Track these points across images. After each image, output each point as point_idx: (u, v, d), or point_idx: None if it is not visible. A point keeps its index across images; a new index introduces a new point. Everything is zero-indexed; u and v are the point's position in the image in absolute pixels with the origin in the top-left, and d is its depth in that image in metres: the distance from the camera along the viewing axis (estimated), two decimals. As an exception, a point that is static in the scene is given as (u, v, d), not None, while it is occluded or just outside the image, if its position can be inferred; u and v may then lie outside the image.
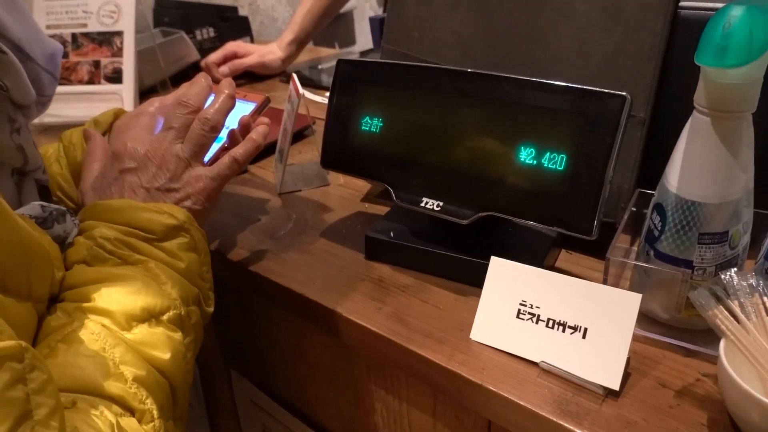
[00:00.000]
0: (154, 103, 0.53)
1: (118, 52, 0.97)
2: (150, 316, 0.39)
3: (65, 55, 0.97)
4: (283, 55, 1.11)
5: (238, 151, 0.51)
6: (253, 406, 0.71)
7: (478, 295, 0.47)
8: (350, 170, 0.57)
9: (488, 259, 0.50)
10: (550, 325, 0.43)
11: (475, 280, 0.51)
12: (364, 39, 1.77)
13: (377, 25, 1.00)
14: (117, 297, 0.38)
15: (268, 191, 0.72)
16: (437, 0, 0.61)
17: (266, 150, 0.81)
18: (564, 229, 0.45)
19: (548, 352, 0.42)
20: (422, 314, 0.49)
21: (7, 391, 0.26)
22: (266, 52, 1.11)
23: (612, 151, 0.43)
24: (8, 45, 0.41)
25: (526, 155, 0.47)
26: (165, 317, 0.40)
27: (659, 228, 0.43)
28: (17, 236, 0.34)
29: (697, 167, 0.41)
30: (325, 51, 1.36)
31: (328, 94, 1.02)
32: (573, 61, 0.54)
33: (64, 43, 0.96)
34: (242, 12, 1.47)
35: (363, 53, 1.26)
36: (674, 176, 0.42)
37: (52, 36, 0.96)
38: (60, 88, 0.57)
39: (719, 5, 0.50)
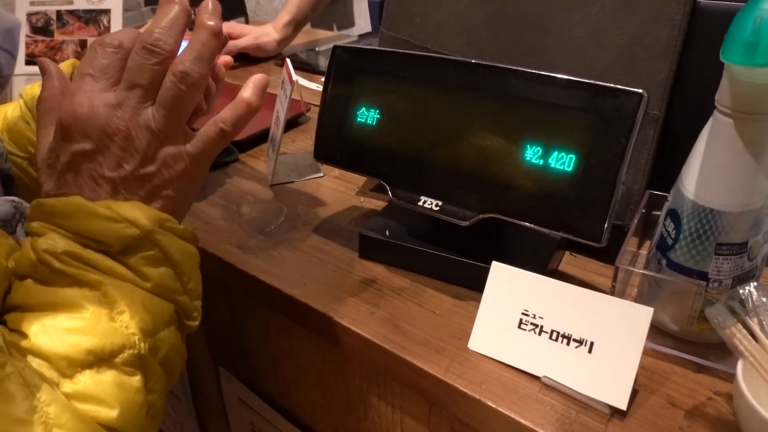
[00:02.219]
0: (120, 37, 0.36)
1: (105, 31, 0.93)
2: (98, 360, 0.32)
3: (50, 33, 0.93)
4: (279, 36, 1.07)
5: (225, 117, 0.38)
6: (242, 404, 0.69)
7: (478, 300, 0.45)
8: (344, 164, 0.54)
9: (489, 262, 0.47)
10: (554, 337, 0.40)
11: (474, 283, 0.49)
12: (362, 21, 1.72)
13: (376, 9, 0.96)
14: (59, 334, 0.31)
15: (259, 182, 0.69)
16: (440, -16, 0.57)
17: (258, 138, 0.78)
18: (571, 234, 0.42)
19: (551, 366, 0.40)
20: (418, 320, 0.46)
21: None
22: (261, 33, 1.07)
23: (626, 152, 0.40)
24: None
25: (532, 154, 0.44)
26: (118, 359, 0.32)
27: (673, 236, 0.40)
28: None
29: (717, 172, 0.38)
30: (322, 33, 1.31)
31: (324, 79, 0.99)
32: (585, 52, 0.51)
33: (48, 20, 0.92)
34: (238, -9, 1.42)
35: (362, 36, 1.22)
36: (691, 181, 0.39)
37: (35, 13, 0.92)
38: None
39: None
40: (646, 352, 0.42)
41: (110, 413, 0.31)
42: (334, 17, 1.68)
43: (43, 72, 0.39)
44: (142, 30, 0.40)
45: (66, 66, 0.49)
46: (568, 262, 0.52)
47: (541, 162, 0.43)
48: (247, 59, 1.09)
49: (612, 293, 0.41)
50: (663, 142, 0.50)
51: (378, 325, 0.46)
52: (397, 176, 0.50)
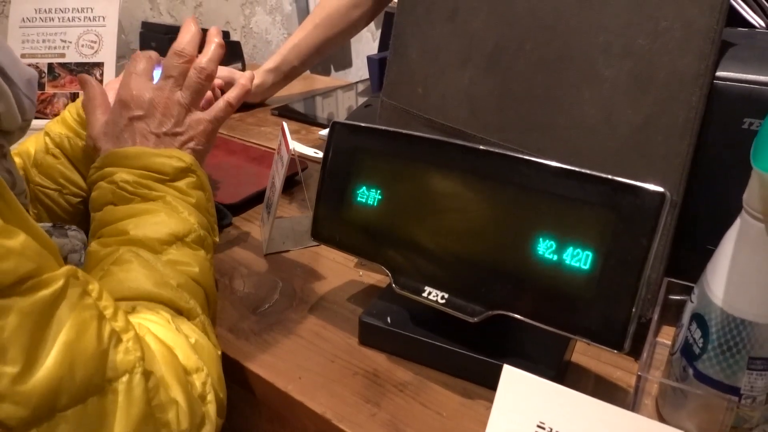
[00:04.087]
0: (150, 52, 0.57)
1: (98, 85, 0.90)
2: (176, 239, 0.45)
3: (41, 86, 0.90)
4: (258, 81, 1.05)
5: (231, 94, 0.57)
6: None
7: (486, 398, 0.41)
8: (344, 247, 0.51)
9: (499, 357, 0.44)
10: (573, 455, 0.37)
11: (483, 379, 0.45)
12: (360, 62, 1.71)
13: (376, 66, 0.94)
14: (146, 228, 0.45)
15: (252, 250, 0.66)
16: (444, 54, 0.55)
17: (252, 200, 0.75)
18: (589, 339, 0.39)
19: (571, 488, 0.36)
20: (423, 424, 0.43)
21: (81, 299, 0.32)
22: (241, 73, 1.05)
23: (648, 254, 0.37)
24: None
25: (544, 249, 0.41)
26: (189, 239, 0.46)
27: (700, 345, 0.37)
28: (40, 234, 0.36)
29: (747, 279, 0.35)
30: (320, 79, 1.30)
31: (322, 132, 0.97)
32: (597, 130, 0.48)
33: (40, 73, 0.90)
34: (235, 35, 1.42)
35: (360, 92, 1.20)
36: (719, 286, 0.36)
37: (28, 65, 0.90)
38: (35, 122, 0.53)
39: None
40: (672, 467, 0.38)
41: (194, 269, 0.45)
42: (332, 58, 1.68)
43: (84, 83, 0.56)
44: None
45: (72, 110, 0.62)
46: (582, 351, 0.49)
47: (555, 258, 0.40)
48: (240, 108, 1.07)
49: (633, 405, 0.38)
50: (680, 225, 0.47)
51: (379, 430, 0.42)
52: (400, 263, 0.47)
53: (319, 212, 0.52)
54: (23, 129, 0.47)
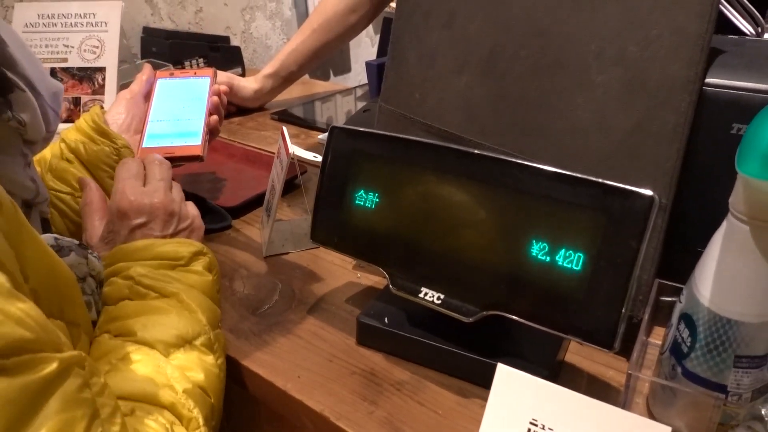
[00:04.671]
0: (134, 161, 0.57)
1: (100, 89, 0.92)
2: (185, 342, 0.44)
3: (43, 91, 0.91)
4: (257, 86, 1.06)
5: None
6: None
7: (482, 397, 0.42)
8: (342, 249, 0.52)
9: (494, 356, 0.45)
10: (565, 451, 0.38)
11: (478, 378, 0.46)
12: (359, 66, 1.72)
13: (374, 71, 0.95)
14: (155, 329, 0.43)
15: (252, 252, 0.67)
16: (441, 59, 0.56)
17: (251, 203, 0.76)
18: (580, 339, 0.40)
19: (562, 484, 0.37)
20: (419, 422, 0.44)
21: (78, 393, 0.30)
22: (240, 78, 1.07)
23: (637, 255, 0.38)
24: (25, 83, 0.43)
25: (537, 250, 0.42)
26: (198, 342, 0.44)
27: (688, 344, 0.38)
28: (48, 263, 0.36)
29: (733, 280, 0.36)
30: (319, 84, 1.31)
31: (321, 136, 0.98)
32: (589, 135, 0.50)
33: (42, 77, 0.91)
34: (235, 40, 1.43)
35: (359, 96, 1.21)
36: (706, 286, 0.38)
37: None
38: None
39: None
40: (662, 464, 0.39)
41: (199, 376, 0.43)
42: (331, 62, 1.69)
43: (84, 186, 0.57)
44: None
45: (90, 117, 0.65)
46: (576, 351, 0.50)
47: (548, 259, 0.41)
48: (240, 113, 1.09)
49: (624, 403, 0.39)
50: (670, 227, 0.48)
51: (377, 428, 0.43)
52: (396, 265, 0.48)
53: (318, 215, 0.53)
54: (47, 140, 0.48)
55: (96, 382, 0.32)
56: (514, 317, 0.43)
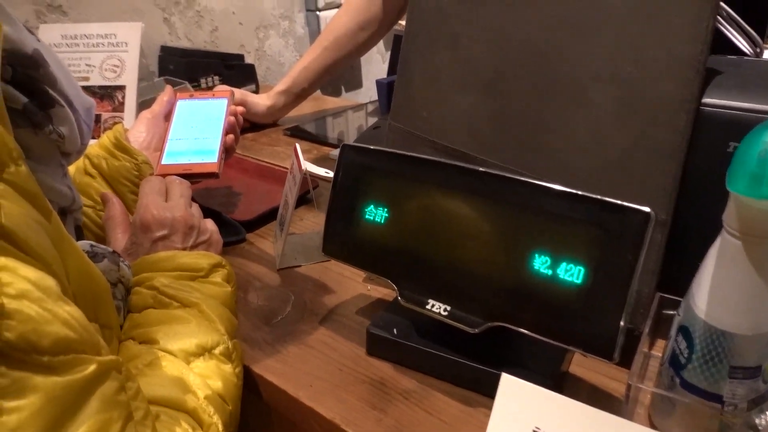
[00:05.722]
0: (157, 179, 0.60)
1: (120, 107, 0.95)
2: (204, 351, 0.45)
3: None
4: (270, 102, 1.09)
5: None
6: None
7: (486, 406, 0.44)
8: (352, 261, 0.54)
9: (499, 366, 0.46)
10: (566, 458, 0.39)
11: (483, 388, 0.48)
12: (370, 82, 1.76)
13: (384, 89, 0.97)
14: (176, 337, 0.45)
15: (266, 264, 0.69)
16: (445, 80, 0.59)
17: (265, 217, 0.78)
18: (581, 349, 0.41)
19: (564, 490, 0.38)
20: (426, 430, 0.45)
21: (116, 395, 0.31)
22: (254, 95, 1.10)
23: (635, 269, 0.40)
24: (63, 100, 0.45)
25: (540, 264, 0.43)
26: (217, 351, 0.46)
27: (685, 355, 0.40)
28: (85, 269, 0.38)
29: (727, 293, 0.38)
30: (331, 100, 1.34)
31: (333, 152, 1.00)
32: (587, 152, 0.51)
33: (64, 96, 0.95)
34: (249, 58, 1.46)
35: (370, 112, 1.24)
36: (702, 299, 0.39)
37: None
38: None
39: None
40: (662, 471, 0.41)
41: (217, 384, 0.44)
42: (342, 78, 1.73)
43: (106, 201, 0.60)
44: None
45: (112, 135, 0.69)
46: (579, 362, 0.52)
47: (550, 272, 0.43)
48: (254, 128, 1.11)
49: (626, 412, 0.40)
50: (670, 241, 0.50)
51: (385, 435, 0.45)
52: (405, 277, 0.50)
53: (330, 229, 0.55)
54: (80, 152, 0.52)
55: (131, 386, 0.33)
56: (518, 328, 0.44)
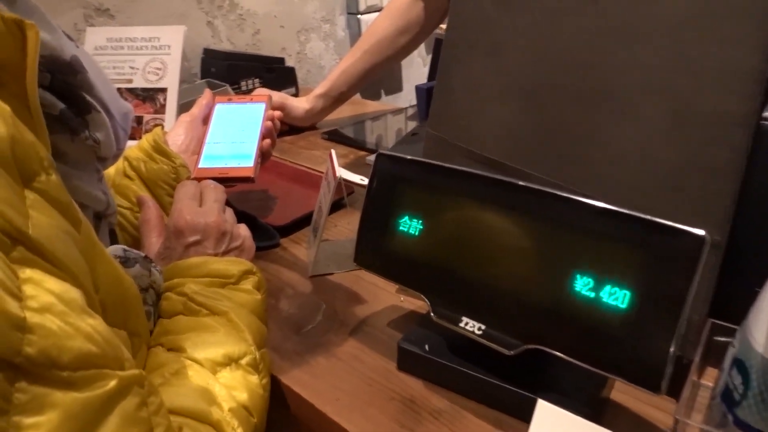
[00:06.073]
0: (191, 183, 0.60)
1: (161, 109, 0.96)
2: (231, 361, 0.45)
3: (110, 110, 0.97)
4: (308, 106, 1.09)
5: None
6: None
7: (520, 430, 0.42)
8: (385, 273, 0.53)
9: (534, 391, 0.44)
10: (605, 495, 0.37)
11: (517, 411, 0.46)
12: (410, 87, 1.74)
13: (423, 95, 0.96)
14: (204, 346, 0.45)
15: (298, 271, 0.68)
16: (485, 89, 0.57)
17: (300, 222, 0.78)
18: (625, 380, 0.39)
19: None
20: (456, 453, 0.44)
21: (137, 412, 0.31)
22: (293, 98, 1.09)
23: (686, 297, 0.37)
24: (100, 105, 0.46)
25: (582, 285, 0.41)
26: (243, 361, 0.45)
27: (740, 391, 0.37)
28: (115, 277, 0.38)
29: (790, 326, 0.35)
30: (370, 104, 1.33)
31: (370, 157, 0.99)
32: (634, 167, 0.49)
33: (109, 97, 0.97)
34: (289, 61, 1.47)
35: (410, 116, 1.22)
36: (761, 332, 0.36)
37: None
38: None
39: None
40: None
41: (242, 395, 0.43)
42: (382, 82, 1.72)
43: (142, 204, 0.60)
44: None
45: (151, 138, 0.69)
46: (622, 388, 0.49)
47: (593, 295, 0.41)
48: (292, 132, 1.11)
49: (670, 447, 0.37)
50: (725, 264, 0.47)
51: (413, 457, 0.44)
52: (438, 292, 0.49)
53: (362, 238, 0.54)
54: (116, 157, 0.52)
55: (153, 401, 0.33)
56: (556, 352, 0.42)
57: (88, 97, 0.45)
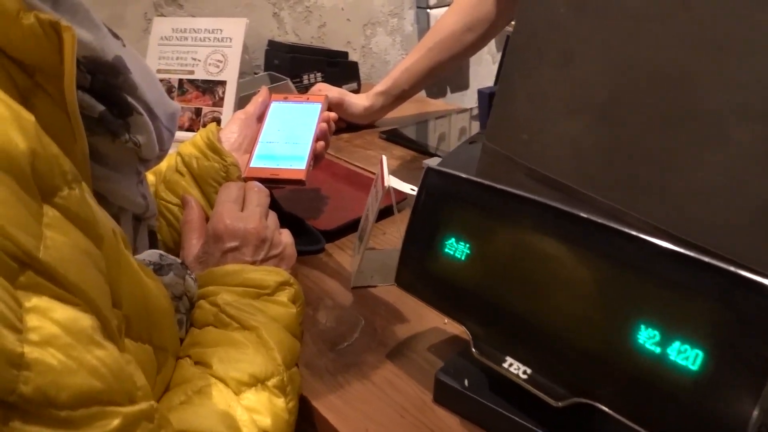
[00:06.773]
0: (236, 185, 0.59)
1: (219, 102, 0.96)
2: (257, 382, 0.43)
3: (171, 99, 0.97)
4: (367, 103, 1.05)
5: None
6: None
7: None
8: (426, 298, 0.49)
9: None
10: None
11: (561, 466, 0.41)
12: (478, 85, 1.68)
13: (486, 100, 0.91)
14: (231, 363, 0.43)
15: (340, 281, 0.66)
16: (552, 101, 0.51)
17: (347, 228, 0.75)
18: (690, 453, 0.34)
19: None
20: (489, 507, 0.40)
21: None
22: (353, 95, 1.06)
23: (772, 367, 0.31)
24: (143, 107, 0.45)
25: (646, 337, 0.36)
26: (270, 383, 0.44)
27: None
28: (141, 291, 0.37)
29: None
30: (434, 103, 1.29)
31: (427, 161, 0.95)
32: (720, 201, 0.42)
33: (170, 88, 0.97)
34: (354, 55, 1.44)
35: (475, 116, 1.17)
36: None
37: (161, 80, 0.98)
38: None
39: None
40: None
41: (266, 420, 0.42)
42: (448, 80, 1.66)
43: (185, 204, 0.59)
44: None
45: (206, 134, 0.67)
46: (684, 450, 0.43)
47: (658, 350, 0.35)
48: (350, 129, 1.09)
49: None
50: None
51: (441, 505, 0.40)
52: (482, 326, 0.44)
53: (405, 257, 0.50)
54: (160, 158, 0.51)
55: None
56: (609, 410, 0.37)
57: (130, 99, 0.44)
